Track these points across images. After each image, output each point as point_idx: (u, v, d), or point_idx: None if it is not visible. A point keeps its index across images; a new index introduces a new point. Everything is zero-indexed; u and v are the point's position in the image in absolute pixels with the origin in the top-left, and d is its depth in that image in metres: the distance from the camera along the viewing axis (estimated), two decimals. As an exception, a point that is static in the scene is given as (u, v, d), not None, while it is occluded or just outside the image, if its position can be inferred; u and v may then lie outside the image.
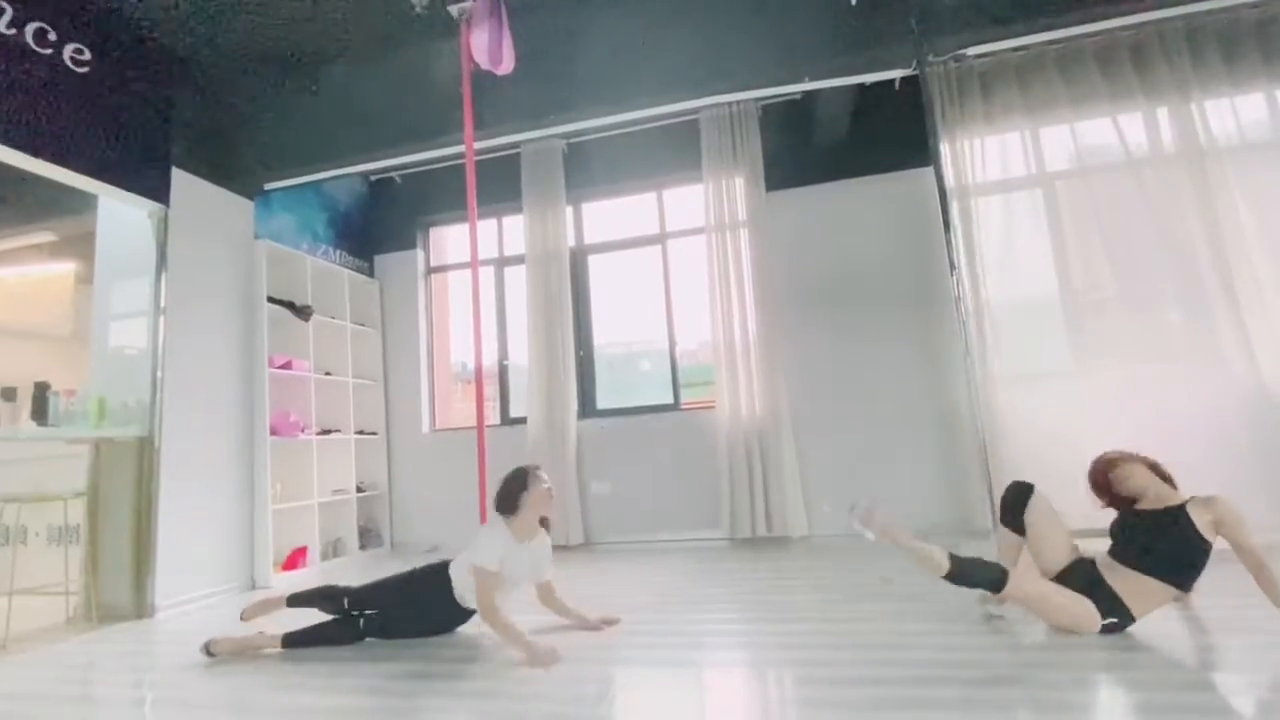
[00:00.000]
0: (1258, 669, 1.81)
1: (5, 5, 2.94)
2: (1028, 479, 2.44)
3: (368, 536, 4.81)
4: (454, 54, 3.32)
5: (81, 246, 4.46)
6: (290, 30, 3.59)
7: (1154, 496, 2.19)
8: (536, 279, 4.88)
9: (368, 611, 2.54)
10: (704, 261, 4.59)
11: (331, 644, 2.51)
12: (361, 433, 4.90)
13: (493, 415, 5.14)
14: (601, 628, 2.55)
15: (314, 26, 3.55)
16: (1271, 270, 3.68)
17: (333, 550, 4.47)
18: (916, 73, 2.83)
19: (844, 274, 4.43)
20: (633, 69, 3.33)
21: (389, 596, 2.54)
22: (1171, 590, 2.06)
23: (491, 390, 5.19)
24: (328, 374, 4.65)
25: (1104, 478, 2.28)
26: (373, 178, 5.31)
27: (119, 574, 3.29)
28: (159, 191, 3.60)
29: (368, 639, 2.54)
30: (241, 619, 2.67)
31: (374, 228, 5.39)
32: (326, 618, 2.59)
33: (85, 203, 3.68)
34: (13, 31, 2.97)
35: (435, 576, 2.52)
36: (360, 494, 4.76)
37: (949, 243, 2.80)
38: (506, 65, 2.95)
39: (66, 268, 4.77)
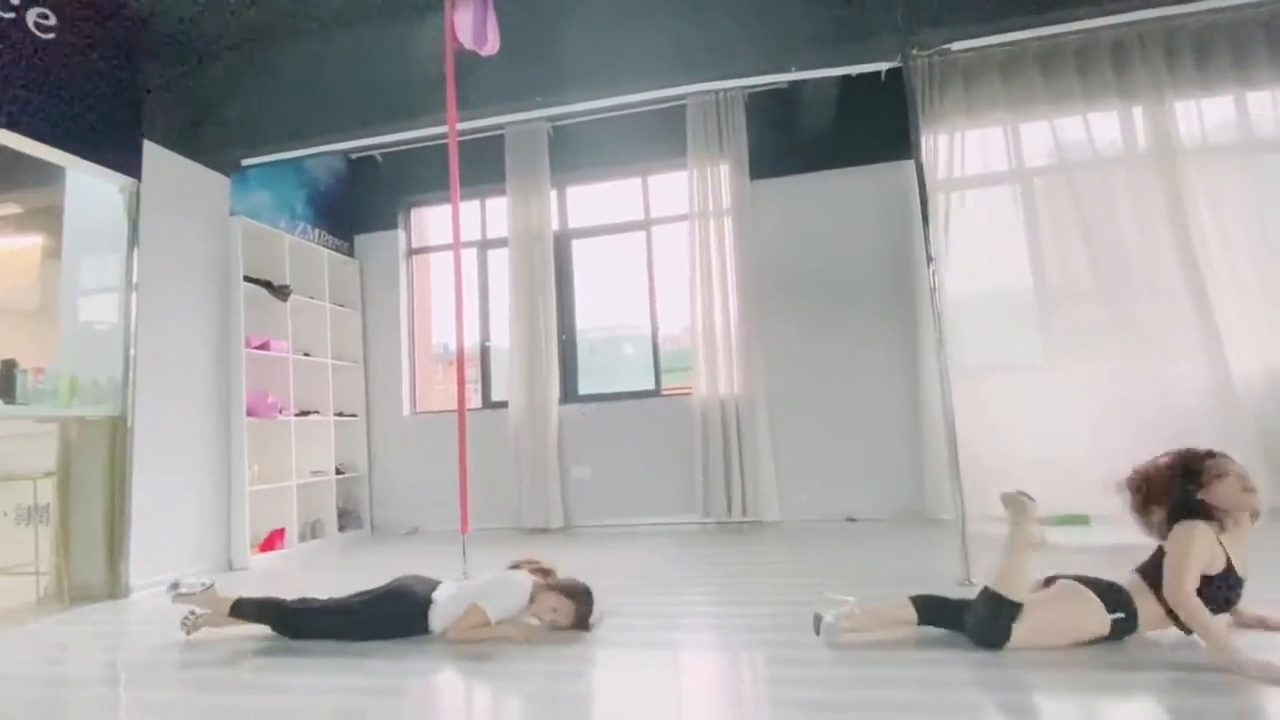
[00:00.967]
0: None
1: (-34, -34, 2.83)
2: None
3: (347, 518, 4.80)
4: (438, 32, 3.26)
5: (48, 219, 4.33)
6: (271, 1, 3.50)
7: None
8: (519, 262, 4.85)
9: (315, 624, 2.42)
10: (687, 248, 4.61)
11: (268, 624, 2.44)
12: (341, 414, 4.86)
13: (474, 398, 5.13)
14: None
15: (292, -1, 3.47)
16: (1235, 269, 3.80)
17: (311, 532, 4.45)
18: (901, 65, 2.84)
19: (825, 264, 4.47)
20: (619, 53, 3.31)
21: (348, 623, 2.38)
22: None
23: (473, 373, 5.18)
24: (306, 355, 4.59)
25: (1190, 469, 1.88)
26: (353, 156, 5.22)
27: (91, 554, 3.26)
28: (130, 165, 3.50)
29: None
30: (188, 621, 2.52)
31: (354, 207, 5.31)
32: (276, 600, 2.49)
33: (52, 175, 3.57)
34: (-26, -5, 2.86)
35: (408, 611, 2.37)
36: (340, 476, 4.73)
37: (926, 235, 2.84)
38: (491, 46, 2.92)
39: (33, 241, 4.63)
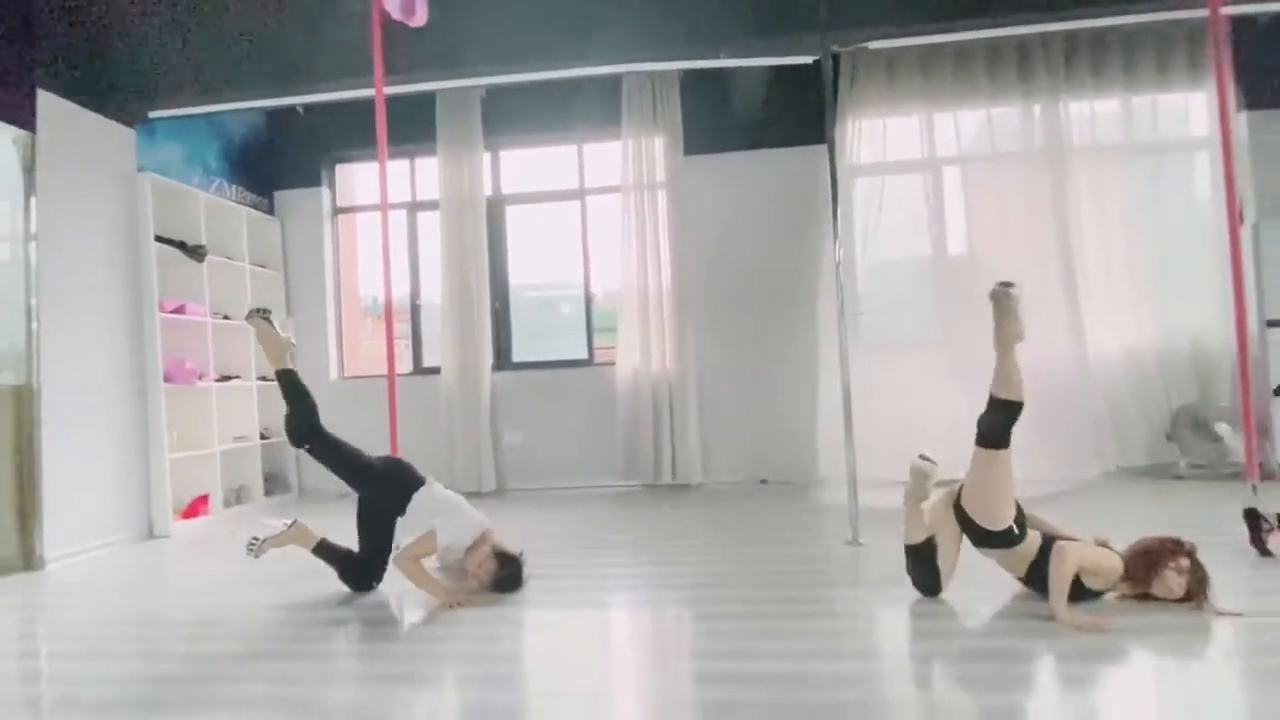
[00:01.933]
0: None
1: None
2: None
3: (274, 483, 4.76)
4: (365, -10, 3.15)
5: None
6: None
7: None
8: (451, 227, 4.81)
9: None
10: (624, 218, 4.69)
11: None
12: (264, 379, 4.75)
13: (405, 362, 5.12)
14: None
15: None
16: (1106, 258, 4.26)
17: (236, 497, 4.41)
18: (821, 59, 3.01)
19: (752, 239, 4.66)
20: (551, 29, 3.30)
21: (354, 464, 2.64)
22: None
23: (403, 328, 5.13)
24: (225, 318, 4.45)
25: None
26: (271, 107, 4.94)
27: (1, 526, 3.16)
28: (22, 116, 3.25)
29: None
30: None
31: (274, 162, 5.07)
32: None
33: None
34: None
35: (396, 491, 2.56)
36: (265, 441, 4.67)
37: (835, 215, 3.09)
38: (420, 17, 2.86)
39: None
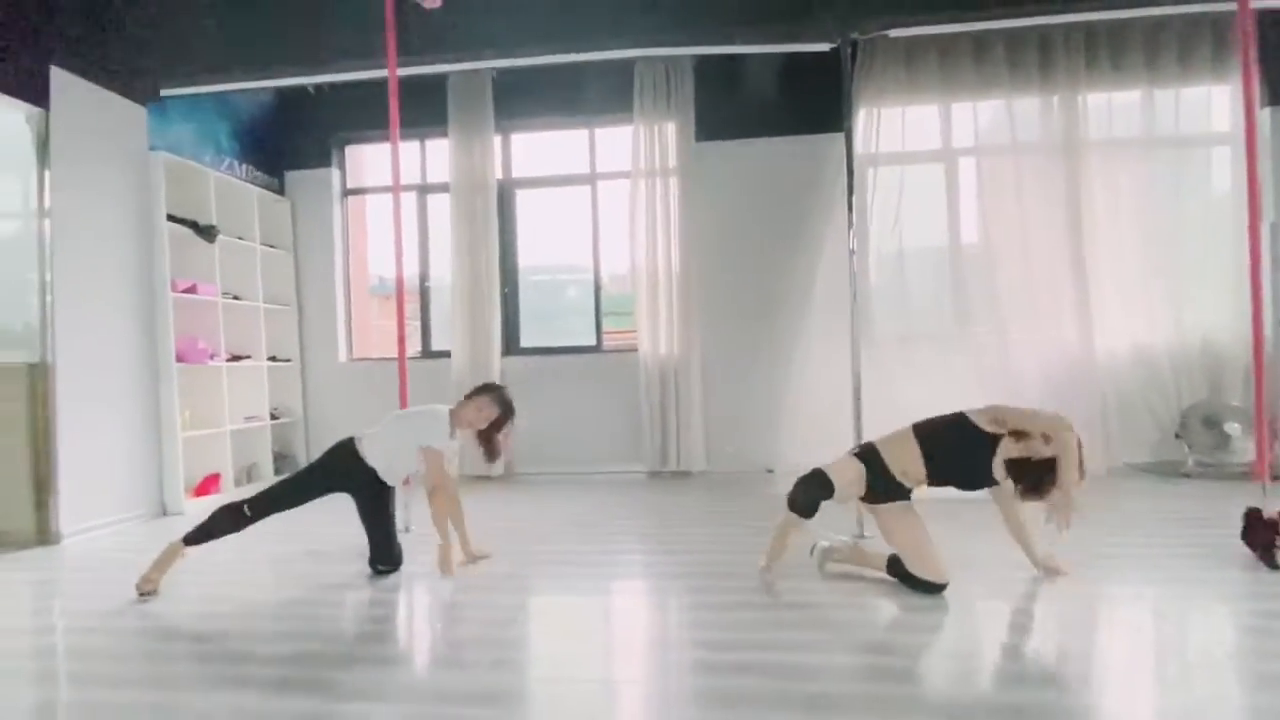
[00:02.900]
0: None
1: None
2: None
3: (284, 462, 4.81)
4: (378, -31, 3.12)
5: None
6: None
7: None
8: (461, 210, 4.80)
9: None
10: (632, 204, 4.67)
11: (224, 533, 2.48)
12: (274, 359, 4.80)
13: (414, 344, 5.13)
14: (469, 561, 2.70)
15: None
16: (1119, 254, 4.21)
17: (247, 476, 4.46)
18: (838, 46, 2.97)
19: (764, 227, 4.64)
20: (566, 13, 3.26)
21: (292, 494, 2.59)
22: None
23: (412, 310, 5.14)
24: (236, 298, 4.47)
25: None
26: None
27: (16, 501, 3.21)
28: (36, 93, 3.25)
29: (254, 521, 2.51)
30: (142, 591, 2.43)
31: (284, 141, 5.05)
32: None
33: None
34: None
35: (344, 463, 2.58)
36: (275, 421, 4.72)
37: (850, 205, 3.06)
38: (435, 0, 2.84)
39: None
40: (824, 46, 3.27)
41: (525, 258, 5.10)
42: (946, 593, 2.20)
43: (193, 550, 2.48)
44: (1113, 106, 4.24)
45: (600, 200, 4.96)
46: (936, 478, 2.28)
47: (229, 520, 2.47)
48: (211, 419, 4.18)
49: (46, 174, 3.30)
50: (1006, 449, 2.18)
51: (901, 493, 2.31)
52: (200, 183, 4.23)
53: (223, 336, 4.27)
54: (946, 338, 4.35)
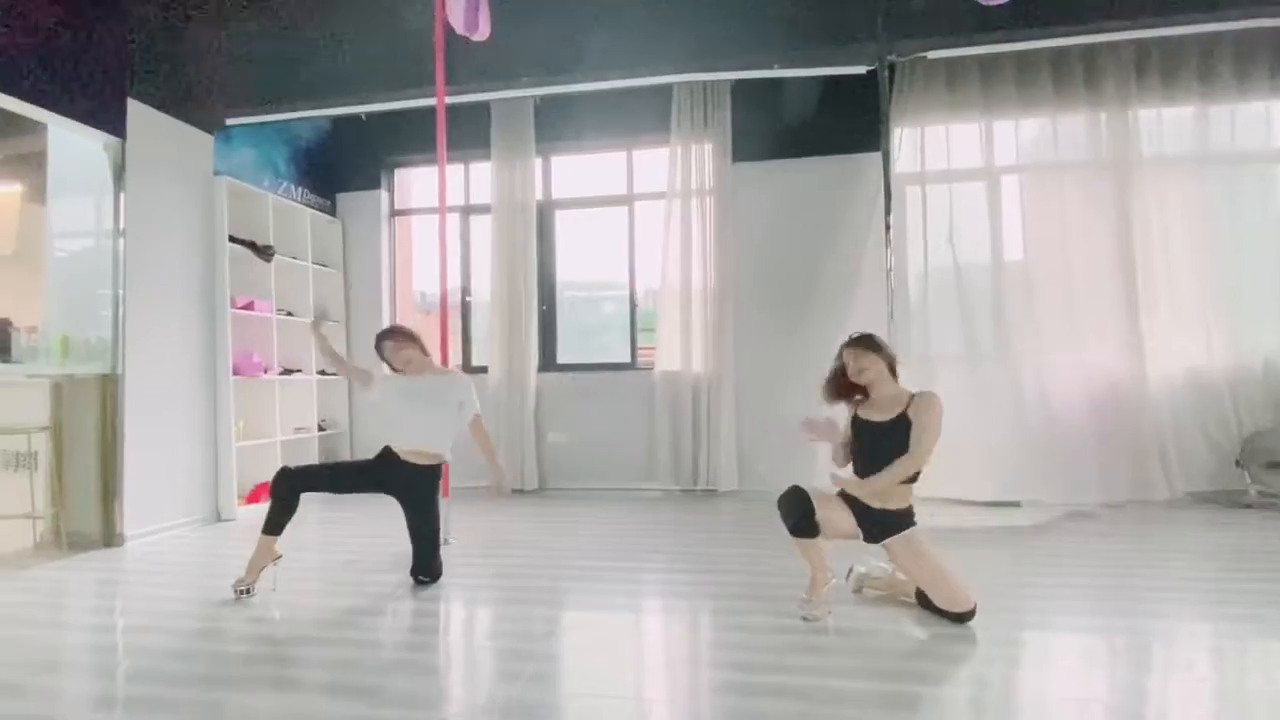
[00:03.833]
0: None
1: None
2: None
3: (328, 472, 4.98)
4: (429, 4, 3.28)
5: (24, 166, 4.29)
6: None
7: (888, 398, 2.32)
8: (502, 230, 4.94)
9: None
10: (668, 224, 4.73)
11: (282, 507, 2.63)
12: (323, 373, 4.99)
13: (454, 360, 5.27)
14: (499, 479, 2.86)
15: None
16: (1171, 275, 4.07)
17: (294, 485, 4.63)
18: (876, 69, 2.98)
19: (800, 247, 4.64)
20: (607, 41, 3.36)
21: (334, 477, 2.87)
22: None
23: (452, 325, 5.28)
24: (289, 314, 4.68)
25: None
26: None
27: (86, 504, 3.41)
28: (114, 123, 3.50)
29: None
30: (241, 592, 2.60)
31: (337, 165, 5.30)
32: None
33: (34, 125, 3.56)
34: (-46, -53, 2.81)
35: (382, 462, 2.78)
36: (322, 432, 4.90)
37: (887, 224, 3.06)
38: (483, 32, 2.96)
39: (11, 187, 4.59)
40: (862, 69, 3.29)
41: (563, 274, 5.21)
42: (978, 621, 2.15)
43: (278, 544, 2.65)
44: (1164, 123, 4.13)
45: (637, 220, 5.04)
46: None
47: (277, 489, 2.63)
48: (263, 430, 4.36)
49: (122, 197, 3.54)
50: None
51: (897, 525, 2.26)
52: (259, 205, 4.46)
53: (276, 351, 4.47)
54: (987, 359, 4.26)
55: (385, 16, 3.68)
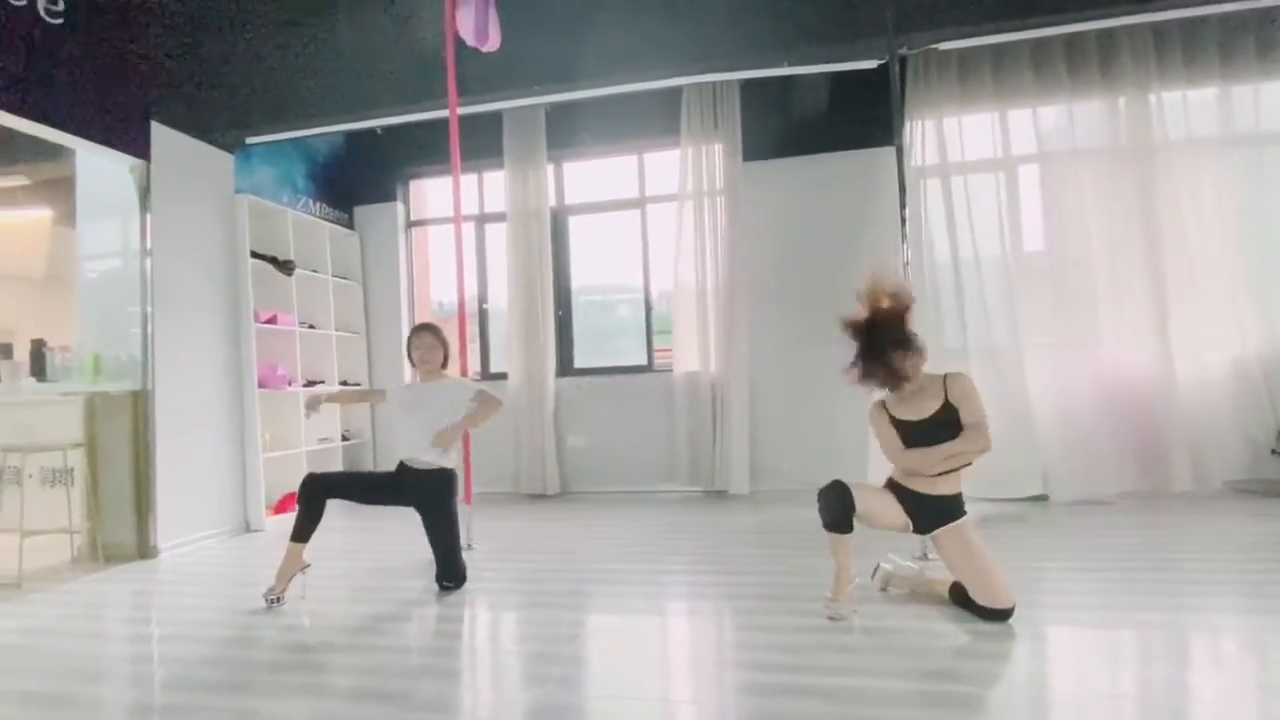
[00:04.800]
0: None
1: (-26, -47, 2.87)
2: None
3: (353, 482, 5.05)
4: (437, 15, 3.33)
5: (54, 191, 4.43)
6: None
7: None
8: (517, 237, 4.98)
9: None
10: (681, 225, 4.73)
11: (309, 513, 2.70)
12: (345, 383, 5.07)
13: (473, 367, 5.32)
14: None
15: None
16: (1198, 263, 3.97)
17: (320, 495, 4.70)
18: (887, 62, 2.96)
19: (814, 244, 4.62)
20: (615, 46, 3.38)
21: (358, 486, 2.90)
22: None
23: (470, 332, 5.34)
24: (311, 327, 4.77)
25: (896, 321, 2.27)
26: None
27: (120, 518, 3.50)
28: (138, 146, 3.59)
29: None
30: (272, 600, 2.67)
31: (353, 179, 5.39)
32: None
33: (62, 151, 3.67)
34: (-16, -18, 2.91)
35: (399, 474, 2.84)
36: (345, 442, 4.97)
37: (903, 218, 3.03)
38: (493, 43, 3.00)
39: (42, 212, 4.75)
40: (872, 64, 3.27)
41: (578, 279, 5.24)
42: (1014, 619, 2.12)
43: (307, 552, 2.70)
44: (1186, 105, 4.03)
45: (650, 221, 5.05)
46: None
47: (304, 495, 2.68)
48: (288, 441, 4.44)
49: (148, 217, 3.63)
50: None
51: (948, 513, 2.24)
52: (279, 221, 4.55)
53: (299, 363, 4.55)
54: (1008, 351, 4.19)
55: (397, 33, 3.74)
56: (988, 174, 4.32)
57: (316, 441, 4.71)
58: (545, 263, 4.94)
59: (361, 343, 5.29)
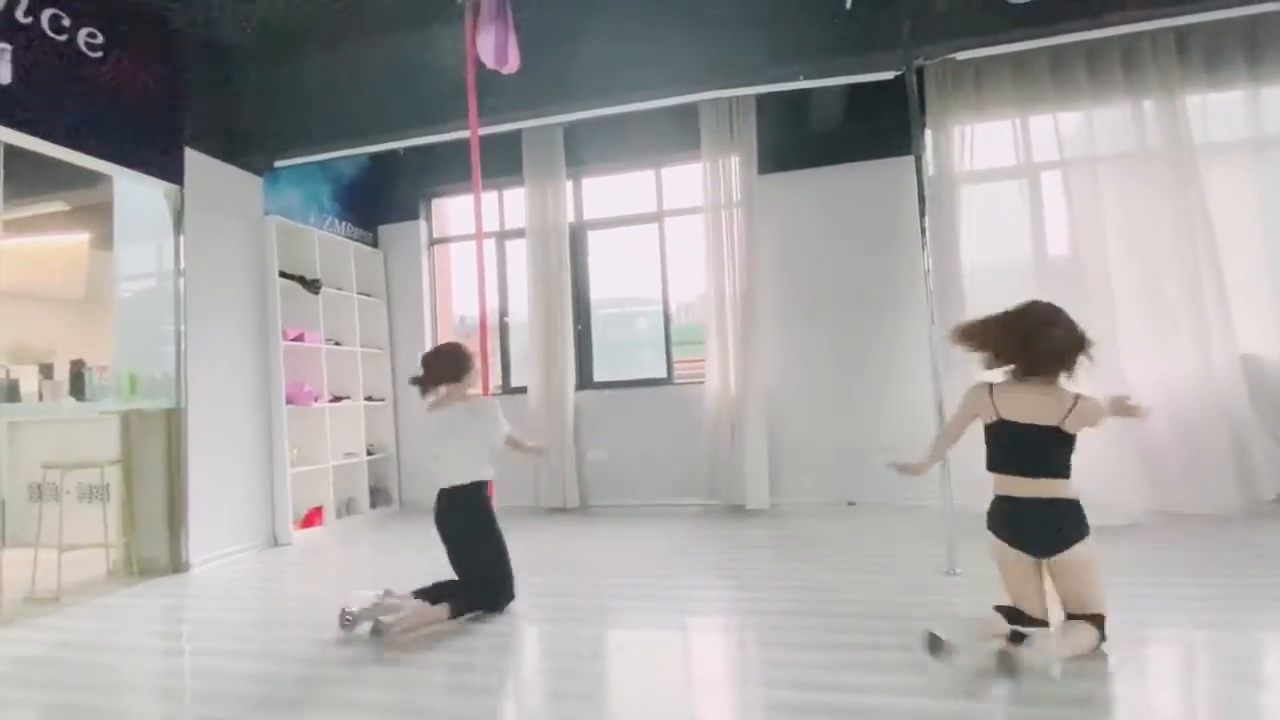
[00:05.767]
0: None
1: (20, -8, 3.01)
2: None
3: (378, 496, 5.12)
4: (458, 39, 3.40)
5: (93, 216, 4.59)
6: (295, 11, 3.66)
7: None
8: (536, 253, 5.04)
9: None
10: (699, 239, 4.75)
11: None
12: (370, 399, 5.14)
13: (494, 380, 5.37)
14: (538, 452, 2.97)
15: (320, 7, 3.62)
16: (1233, 265, 3.87)
17: (346, 509, 4.78)
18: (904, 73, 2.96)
19: (832, 255, 4.60)
20: (632, 64, 3.43)
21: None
22: None
23: (491, 345, 5.38)
24: (337, 344, 4.86)
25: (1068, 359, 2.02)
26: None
27: (154, 533, 3.58)
28: (173, 171, 3.72)
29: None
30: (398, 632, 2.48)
31: (377, 198, 5.50)
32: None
33: (100, 177, 3.81)
34: (29, 19, 3.05)
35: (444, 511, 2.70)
36: (370, 457, 5.04)
37: (923, 227, 3.01)
38: (512, 65, 3.06)
39: (80, 236, 4.92)
40: (889, 75, 3.27)
41: (597, 292, 5.27)
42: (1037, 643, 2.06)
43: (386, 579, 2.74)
44: (1213, 109, 3.96)
45: (668, 235, 5.08)
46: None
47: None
48: (315, 456, 4.52)
49: (181, 239, 3.75)
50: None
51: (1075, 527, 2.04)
52: (306, 241, 4.66)
53: (325, 379, 4.64)
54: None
55: (420, 57, 3.83)
56: (1010, 180, 4.28)
57: (343, 456, 4.78)
58: (564, 277, 4.99)
59: (386, 359, 5.37)
